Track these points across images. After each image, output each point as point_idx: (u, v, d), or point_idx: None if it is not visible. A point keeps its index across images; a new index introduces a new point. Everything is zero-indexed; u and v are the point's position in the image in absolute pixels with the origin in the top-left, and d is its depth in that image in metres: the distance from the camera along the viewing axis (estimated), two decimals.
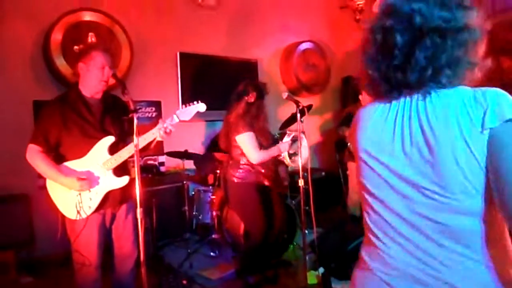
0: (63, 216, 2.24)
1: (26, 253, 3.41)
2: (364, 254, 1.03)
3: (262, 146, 2.86)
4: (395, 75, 0.91)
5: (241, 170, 2.89)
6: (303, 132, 2.85)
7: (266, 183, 2.99)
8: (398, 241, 0.93)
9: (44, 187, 2.28)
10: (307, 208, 2.83)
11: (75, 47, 3.62)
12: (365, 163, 0.99)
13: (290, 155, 3.02)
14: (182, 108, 2.38)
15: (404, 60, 0.88)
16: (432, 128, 0.86)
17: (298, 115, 2.71)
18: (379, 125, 0.96)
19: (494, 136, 0.81)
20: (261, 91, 2.94)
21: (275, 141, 3.03)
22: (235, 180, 2.90)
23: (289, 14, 5.49)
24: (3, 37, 3.58)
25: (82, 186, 2.15)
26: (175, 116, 2.33)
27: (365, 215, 1.02)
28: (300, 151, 2.81)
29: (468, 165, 0.82)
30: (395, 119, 0.93)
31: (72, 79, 3.14)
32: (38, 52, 3.70)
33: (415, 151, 0.88)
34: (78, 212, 2.18)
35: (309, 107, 2.90)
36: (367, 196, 1.00)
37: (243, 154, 2.85)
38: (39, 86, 3.69)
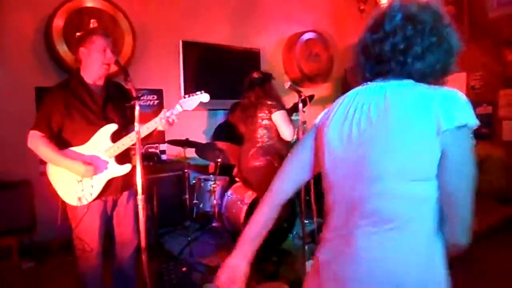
0: (63, 203, 2.25)
1: (28, 238, 3.45)
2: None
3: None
4: (375, 47, 1.02)
5: (271, 153, 2.99)
6: (305, 122, 2.87)
7: None
8: (345, 219, 1.02)
9: (45, 173, 2.29)
10: (307, 198, 2.85)
11: (77, 33, 3.59)
12: (328, 148, 1.07)
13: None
14: (185, 97, 2.38)
15: (386, 36, 1.00)
16: (387, 118, 0.95)
17: (300, 105, 2.71)
18: (341, 111, 1.07)
19: (446, 141, 0.90)
20: (265, 73, 3.15)
21: None
22: (276, 164, 2.95)
23: (292, 4, 5.44)
24: (5, 24, 3.56)
25: (87, 171, 2.14)
26: (178, 106, 2.32)
27: (326, 196, 1.12)
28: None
29: (420, 159, 0.91)
30: (357, 104, 1.03)
31: (74, 66, 3.13)
32: (40, 38, 3.68)
33: (367, 137, 0.97)
34: (80, 199, 2.19)
35: (311, 97, 2.92)
36: (327, 183, 1.10)
37: (271, 136, 2.96)
38: (41, 72, 3.68)
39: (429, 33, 0.97)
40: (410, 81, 0.98)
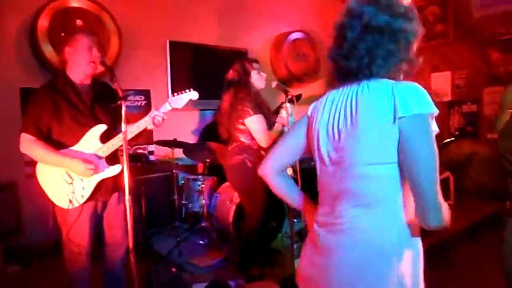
0: (53, 205, 2.23)
1: (14, 241, 3.40)
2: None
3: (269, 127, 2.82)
4: (341, 62, 1.12)
5: (255, 155, 2.83)
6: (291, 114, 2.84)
7: None
8: (328, 205, 1.16)
9: (32, 176, 2.26)
10: None
11: (62, 34, 3.56)
12: (317, 140, 1.18)
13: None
14: (174, 95, 2.37)
15: (349, 51, 1.08)
16: (357, 113, 1.06)
17: (288, 104, 2.72)
18: (326, 110, 1.18)
19: (406, 128, 0.98)
20: (243, 67, 2.89)
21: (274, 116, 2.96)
22: (249, 164, 2.82)
23: (279, 4, 5.47)
24: None
25: (87, 170, 2.13)
26: (167, 104, 2.33)
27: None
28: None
29: (380, 145, 1.01)
30: (337, 106, 1.14)
31: (59, 66, 3.10)
32: (25, 39, 3.64)
33: (344, 133, 1.09)
34: (70, 201, 2.17)
35: (298, 96, 2.90)
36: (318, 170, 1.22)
37: (251, 138, 2.81)
38: (26, 73, 3.63)
39: (388, 40, 1.05)
40: (378, 80, 1.07)
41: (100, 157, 2.22)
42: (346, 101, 1.10)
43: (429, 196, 0.97)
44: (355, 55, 1.07)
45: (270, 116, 2.94)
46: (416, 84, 1.01)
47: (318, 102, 1.24)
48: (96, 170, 2.18)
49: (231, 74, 2.92)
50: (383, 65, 1.06)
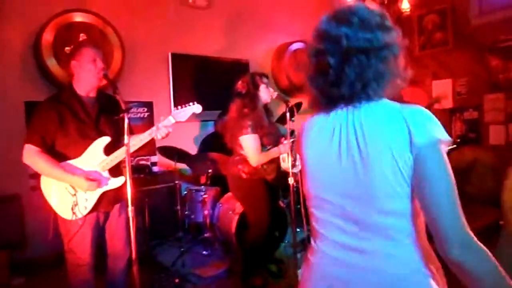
0: (55, 216, 2.24)
1: (19, 254, 3.42)
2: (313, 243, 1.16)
3: (263, 145, 2.86)
4: (331, 90, 1.02)
5: (250, 167, 2.88)
6: (293, 131, 2.88)
7: (269, 179, 2.99)
8: (334, 237, 1.06)
9: (35, 188, 2.28)
10: (298, 207, 2.86)
11: (66, 48, 3.62)
12: (310, 171, 1.11)
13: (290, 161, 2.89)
14: (178, 109, 2.40)
15: (337, 77, 1.00)
16: (365, 141, 0.97)
17: (288, 114, 2.74)
18: (319, 137, 1.09)
19: (423, 155, 0.92)
20: (253, 80, 2.93)
21: (279, 138, 2.99)
22: (243, 175, 2.89)
23: (280, 15, 5.52)
24: None
25: (91, 186, 2.15)
26: (170, 117, 2.34)
27: (311, 214, 1.15)
28: (291, 151, 2.83)
29: (394, 176, 0.93)
30: (333, 131, 1.05)
31: (63, 80, 3.14)
32: (29, 53, 3.69)
33: (350, 163, 1.00)
34: (74, 212, 2.19)
35: (298, 105, 2.92)
36: (311, 200, 1.13)
37: None
38: (30, 87, 3.68)
39: (375, 60, 0.98)
40: (380, 102, 1.00)
41: (102, 171, 2.24)
42: (347, 127, 1.02)
43: (448, 219, 0.89)
44: (345, 82, 0.99)
45: (272, 133, 2.97)
46: (423, 108, 0.96)
47: (307, 127, 1.15)
48: (99, 185, 2.20)
49: (240, 86, 2.96)
50: (378, 87, 0.99)
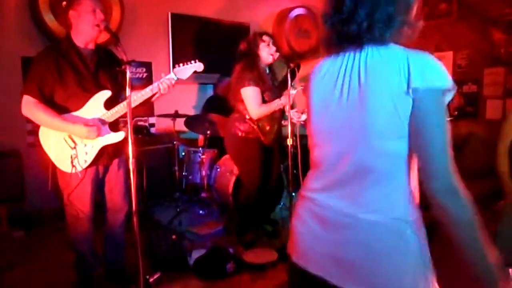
0: (54, 169, 2.26)
1: (18, 208, 3.47)
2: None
3: (265, 102, 2.89)
4: (341, 27, 1.05)
5: (246, 125, 2.94)
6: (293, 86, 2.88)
7: (266, 141, 3.02)
8: (332, 177, 1.08)
9: (34, 144, 2.28)
10: (294, 171, 2.90)
11: (64, 2, 3.53)
12: (314, 113, 1.13)
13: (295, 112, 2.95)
14: (179, 66, 2.38)
15: (349, 15, 1.02)
16: (367, 81, 0.99)
17: (289, 75, 2.73)
18: (324, 81, 1.10)
19: (420, 99, 0.93)
20: (253, 39, 2.97)
21: (280, 96, 2.97)
22: (239, 133, 2.94)
23: None
24: None
25: (90, 132, 2.14)
26: (172, 74, 2.33)
27: (311, 156, 1.17)
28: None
29: (391, 115, 0.95)
30: (338, 73, 1.07)
31: (62, 35, 3.08)
32: (25, 8, 3.62)
33: (351, 102, 1.02)
34: (74, 165, 2.20)
35: (298, 65, 2.89)
36: (312, 148, 1.15)
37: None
38: (27, 42, 3.62)
39: (386, 2, 1.00)
40: (389, 46, 1.01)
41: (103, 122, 2.24)
42: (352, 69, 1.03)
43: (439, 160, 0.92)
44: (355, 20, 1.01)
45: (274, 91, 2.98)
46: (431, 55, 0.95)
47: (315, 71, 1.16)
48: (99, 133, 2.19)
49: (242, 45, 3.00)
50: (384, 28, 1.00)
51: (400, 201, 1.00)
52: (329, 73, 1.10)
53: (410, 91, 0.92)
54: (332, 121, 1.07)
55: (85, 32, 2.20)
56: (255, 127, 2.94)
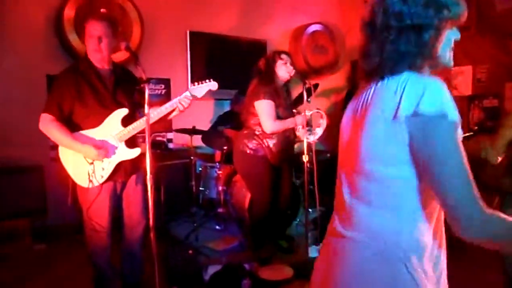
0: (74, 184, 2.32)
1: (40, 221, 3.56)
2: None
3: (279, 118, 2.91)
4: (363, 61, 1.04)
5: (255, 142, 2.95)
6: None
7: (273, 161, 3.02)
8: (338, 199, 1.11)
9: (56, 159, 2.35)
10: (311, 187, 2.89)
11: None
12: (340, 139, 1.15)
13: (306, 131, 2.91)
14: (194, 85, 2.43)
15: (365, 51, 1.03)
16: (366, 109, 0.99)
17: (305, 93, 2.75)
18: (347, 114, 1.12)
19: (412, 127, 0.88)
20: (271, 56, 3.01)
21: (294, 114, 3.03)
22: (248, 151, 2.96)
23: None
24: (16, 13, 3.66)
25: (99, 155, 2.21)
26: (187, 92, 2.38)
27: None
28: (314, 128, 2.91)
29: (388, 143, 0.92)
30: (357, 103, 1.07)
31: (83, 54, 3.19)
32: (51, 28, 3.78)
33: (354, 128, 1.04)
34: (91, 180, 2.27)
35: (316, 85, 2.93)
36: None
37: (259, 123, 2.92)
38: (52, 61, 3.76)
39: (398, 37, 0.95)
40: (400, 74, 0.95)
41: (115, 141, 2.30)
42: (365, 97, 1.03)
43: (457, 206, 0.86)
44: (369, 56, 1.00)
45: (288, 108, 3.01)
46: (436, 80, 0.89)
47: (351, 102, 1.15)
48: (106, 155, 2.25)
49: (261, 62, 3.05)
50: (394, 66, 0.95)
51: (400, 228, 0.95)
52: (351, 107, 1.12)
53: (401, 118, 0.88)
54: (343, 146, 1.11)
55: (91, 55, 2.30)
56: (263, 145, 2.95)
